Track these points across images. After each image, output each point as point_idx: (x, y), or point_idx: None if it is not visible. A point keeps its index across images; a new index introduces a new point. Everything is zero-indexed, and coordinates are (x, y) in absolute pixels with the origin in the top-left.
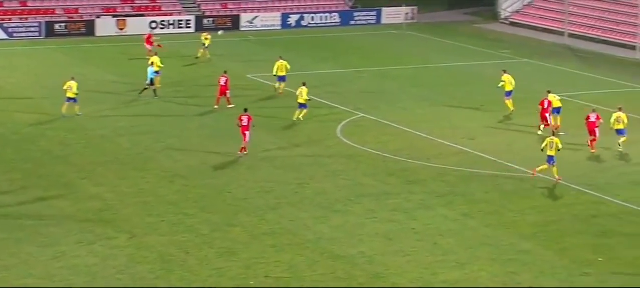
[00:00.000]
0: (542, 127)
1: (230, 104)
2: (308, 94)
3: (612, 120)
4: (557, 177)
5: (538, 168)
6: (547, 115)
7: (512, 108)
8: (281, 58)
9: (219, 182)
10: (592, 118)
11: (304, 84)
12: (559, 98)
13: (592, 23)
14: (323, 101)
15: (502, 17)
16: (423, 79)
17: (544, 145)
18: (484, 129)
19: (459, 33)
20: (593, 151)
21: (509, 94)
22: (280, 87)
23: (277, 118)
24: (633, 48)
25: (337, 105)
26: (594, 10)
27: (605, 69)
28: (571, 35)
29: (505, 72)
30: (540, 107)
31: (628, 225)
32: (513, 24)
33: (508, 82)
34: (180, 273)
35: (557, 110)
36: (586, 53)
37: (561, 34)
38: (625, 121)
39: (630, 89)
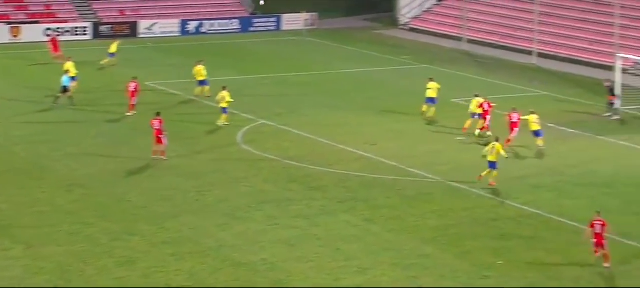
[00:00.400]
0: (478, 132)
1: (130, 111)
2: (227, 98)
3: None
4: (491, 180)
5: (483, 174)
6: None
7: (429, 114)
8: (199, 63)
9: (118, 190)
10: (514, 118)
11: (224, 88)
12: (478, 103)
13: (490, 29)
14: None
15: (402, 23)
16: (323, 85)
17: (485, 151)
18: (385, 134)
19: (359, 39)
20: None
21: (431, 100)
22: (203, 90)
23: (178, 125)
24: (530, 53)
25: (237, 112)
26: (491, 16)
27: (503, 74)
28: (470, 41)
29: (431, 80)
30: (481, 109)
31: (526, 228)
32: (412, 30)
33: (433, 88)
34: (79, 283)
35: (477, 115)
36: (484, 58)
37: (460, 39)
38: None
39: (529, 93)
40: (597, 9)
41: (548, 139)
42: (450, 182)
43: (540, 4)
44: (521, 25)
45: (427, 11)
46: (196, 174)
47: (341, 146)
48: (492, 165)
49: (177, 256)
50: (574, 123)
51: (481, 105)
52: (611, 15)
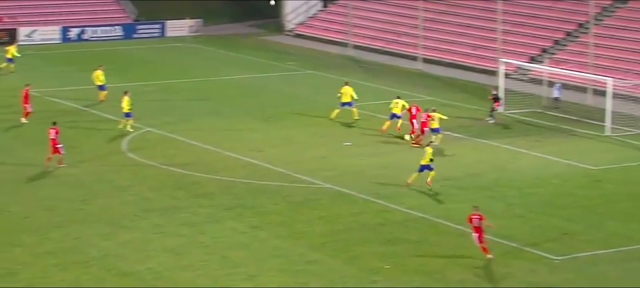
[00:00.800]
0: (410, 136)
1: (23, 119)
2: (129, 103)
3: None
4: (428, 180)
5: (409, 180)
6: (414, 121)
7: (333, 116)
8: (99, 67)
9: None
10: (423, 117)
11: (126, 93)
12: (399, 105)
13: (375, 34)
14: (107, 115)
15: (287, 29)
16: (209, 91)
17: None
18: (272, 141)
19: (244, 45)
20: (415, 146)
21: (344, 104)
22: (101, 95)
23: (62, 133)
24: (415, 59)
25: (122, 120)
26: (376, 22)
27: (389, 79)
28: (355, 47)
29: (346, 83)
30: (409, 113)
31: (413, 231)
32: (298, 36)
33: (345, 93)
34: None
35: (396, 116)
36: (370, 64)
37: (345, 45)
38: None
39: (414, 98)
40: (480, 14)
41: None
42: (338, 188)
43: (425, 10)
44: (406, 30)
45: (312, 17)
46: (80, 183)
47: (228, 153)
48: (426, 168)
49: (60, 266)
50: (459, 127)
51: (409, 109)
52: (494, 20)
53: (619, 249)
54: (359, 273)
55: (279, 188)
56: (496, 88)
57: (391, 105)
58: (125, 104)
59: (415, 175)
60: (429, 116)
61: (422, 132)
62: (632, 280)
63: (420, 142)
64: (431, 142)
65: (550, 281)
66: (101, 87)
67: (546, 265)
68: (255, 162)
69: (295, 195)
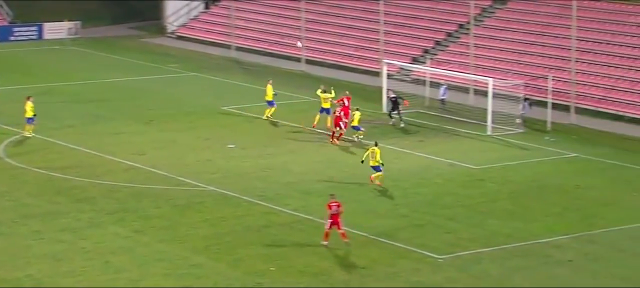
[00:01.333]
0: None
1: None
2: (33, 108)
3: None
4: (378, 182)
5: (374, 177)
6: (341, 123)
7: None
8: None
9: None
10: (337, 112)
11: (29, 98)
12: (327, 98)
13: (257, 36)
14: None
15: (169, 31)
16: (89, 94)
17: (364, 156)
18: (155, 144)
19: (125, 47)
20: (336, 143)
21: (271, 102)
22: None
23: None
24: (298, 60)
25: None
26: (259, 24)
27: (273, 81)
28: (238, 49)
29: (269, 82)
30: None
31: (298, 233)
32: (180, 38)
33: (268, 92)
34: None
35: (326, 111)
36: (253, 65)
37: (228, 47)
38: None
39: (298, 100)
40: (362, 16)
41: (318, 145)
42: (222, 190)
43: (307, 11)
44: (289, 32)
45: (194, 19)
46: None
47: (109, 157)
48: (377, 168)
49: None
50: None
51: (340, 100)
52: (376, 21)
53: (501, 247)
54: (243, 276)
55: (162, 191)
56: (392, 91)
57: (318, 93)
58: (29, 108)
59: (375, 174)
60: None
61: (337, 126)
62: (513, 277)
63: (338, 139)
64: (356, 138)
65: (434, 280)
66: None
67: (430, 264)
68: (137, 165)
69: (179, 198)
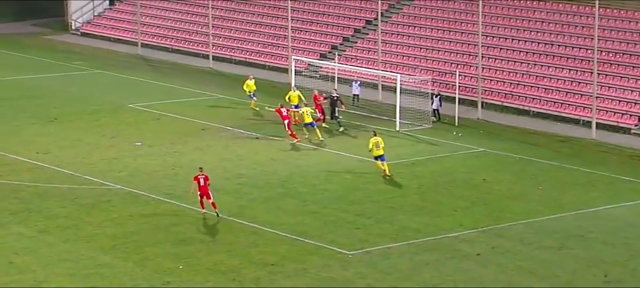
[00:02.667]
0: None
1: None
2: None
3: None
4: (388, 173)
5: (384, 168)
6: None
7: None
8: None
9: None
10: (283, 112)
11: None
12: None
13: (164, 33)
14: None
15: (73, 28)
16: None
17: (371, 146)
18: (59, 142)
19: (28, 45)
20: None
21: (253, 95)
22: None
23: None
24: (206, 57)
25: None
26: (166, 21)
27: (180, 78)
28: (144, 45)
29: (250, 77)
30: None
31: (207, 231)
32: (84, 35)
33: (251, 86)
34: None
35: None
36: (160, 63)
37: (135, 44)
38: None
39: (205, 97)
40: (270, 12)
41: (226, 143)
42: (129, 189)
43: (214, 8)
44: (196, 29)
45: (99, 16)
46: None
47: (13, 156)
48: (381, 158)
49: None
50: (251, 125)
51: (316, 98)
52: (284, 18)
53: (410, 242)
54: (151, 274)
55: (67, 190)
56: (335, 90)
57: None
58: None
59: (382, 164)
60: (288, 110)
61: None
62: (422, 271)
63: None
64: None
65: (343, 276)
66: None
67: (340, 260)
68: (42, 164)
69: (85, 197)
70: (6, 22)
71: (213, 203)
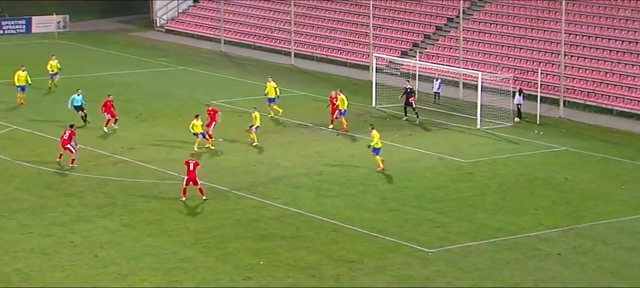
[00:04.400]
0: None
1: None
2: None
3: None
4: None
5: (380, 163)
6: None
7: (278, 111)
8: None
9: None
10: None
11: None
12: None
13: (247, 30)
14: None
15: (158, 25)
16: (78, 88)
17: (375, 141)
18: (144, 138)
19: (114, 41)
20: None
21: (272, 100)
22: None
23: None
24: (288, 54)
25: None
26: (248, 18)
27: (261, 74)
28: (227, 42)
29: (269, 79)
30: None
31: (287, 227)
32: (169, 32)
33: (271, 89)
34: None
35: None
36: (242, 59)
37: (218, 41)
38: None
39: (286, 94)
40: (351, 10)
41: (307, 139)
42: (211, 184)
43: (296, 5)
44: (278, 26)
45: (183, 13)
46: None
47: (99, 151)
48: (376, 151)
49: None
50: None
51: (335, 98)
52: (365, 15)
53: (490, 240)
54: (232, 270)
55: (151, 185)
56: (408, 80)
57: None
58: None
59: (379, 158)
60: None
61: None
62: (502, 270)
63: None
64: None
65: (423, 273)
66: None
67: (419, 258)
68: (127, 159)
69: (168, 192)
70: (93, 19)
71: (200, 189)
